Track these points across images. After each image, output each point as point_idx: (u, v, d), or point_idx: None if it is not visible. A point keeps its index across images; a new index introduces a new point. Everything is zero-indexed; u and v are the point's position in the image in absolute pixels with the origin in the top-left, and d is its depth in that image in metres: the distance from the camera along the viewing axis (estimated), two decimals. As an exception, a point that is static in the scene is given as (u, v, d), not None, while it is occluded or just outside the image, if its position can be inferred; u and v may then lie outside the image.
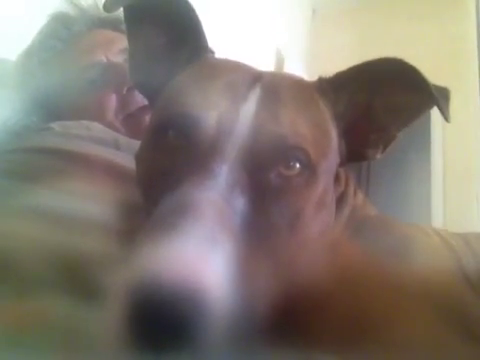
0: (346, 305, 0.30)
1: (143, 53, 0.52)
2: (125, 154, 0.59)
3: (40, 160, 0.58)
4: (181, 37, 0.50)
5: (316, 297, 0.29)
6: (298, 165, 0.40)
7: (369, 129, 0.51)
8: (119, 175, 0.54)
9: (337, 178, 0.51)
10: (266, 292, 0.30)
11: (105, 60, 0.81)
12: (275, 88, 0.43)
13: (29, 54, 0.84)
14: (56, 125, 0.67)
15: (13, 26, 0.96)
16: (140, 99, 0.77)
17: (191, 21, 0.50)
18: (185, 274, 0.26)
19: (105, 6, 0.47)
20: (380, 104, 0.49)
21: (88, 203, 0.45)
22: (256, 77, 0.45)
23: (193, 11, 0.49)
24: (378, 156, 0.52)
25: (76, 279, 0.34)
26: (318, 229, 0.44)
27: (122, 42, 0.83)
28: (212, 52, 0.53)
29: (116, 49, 0.83)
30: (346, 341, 0.28)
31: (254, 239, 0.34)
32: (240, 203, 0.35)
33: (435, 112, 0.47)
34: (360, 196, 0.58)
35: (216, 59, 0.52)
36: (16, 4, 1.01)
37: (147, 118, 0.79)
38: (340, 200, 0.53)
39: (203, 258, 0.28)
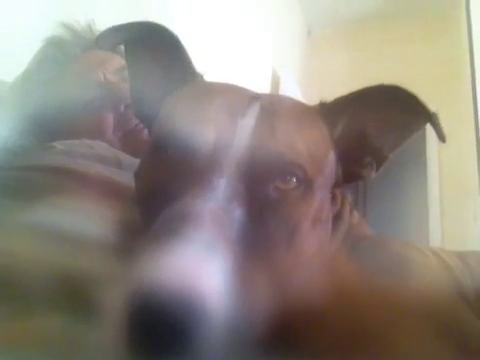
0: (342, 322, 0.30)
1: (142, 86, 0.54)
2: (127, 173, 0.60)
3: (43, 178, 0.58)
4: (170, 67, 0.52)
5: (312, 312, 0.29)
6: (294, 180, 0.41)
7: (364, 151, 0.52)
8: (120, 194, 0.54)
9: (333, 198, 0.52)
10: (263, 303, 0.30)
11: (103, 78, 0.83)
12: (273, 106, 0.44)
13: (26, 78, 0.85)
14: (58, 143, 0.67)
15: (9, 48, 0.98)
16: None
17: (176, 51, 0.51)
18: (184, 281, 0.26)
19: (99, 44, 0.49)
20: (375, 128, 0.50)
21: (88, 222, 0.45)
22: (254, 97, 0.46)
23: (177, 40, 0.51)
24: (372, 176, 0.52)
25: (76, 297, 0.34)
26: (314, 245, 0.44)
27: (117, 62, 0.85)
28: (201, 76, 0.54)
29: (111, 68, 0.84)
30: (342, 356, 0.28)
31: (252, 250, 0.34)
32: (238, 214, 0.36)
33: (430, 132, 0.48)
34: (356, 216, 0.59)
35: (210, 81, 0.53)
36: (13, 26, 1.03)
37: (144, 134, 0.81)
38: (336, 219, 0.53)
39: (202, 266, 0.28)
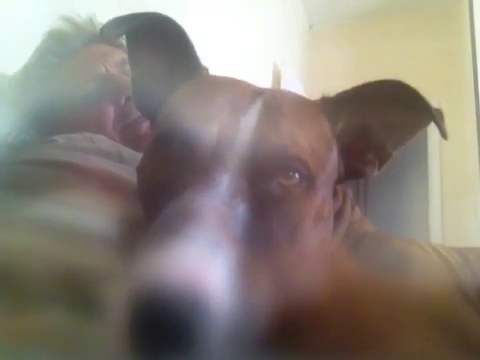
0: (343, 318, 0.30)
1: (144, 78, 0.54)
2: (128, 167, 0.59)
3: (44, 172, 0.58)
4: (175, 59, 0.52)
5: (313, 309, 0.30)
6: (297, 176, 0.40)
7: (366, 147, 0.51)
8: (122, 188, 0.54)
9: (335, 194, 0.52)
10: (266, 299, 0.30)
11: (104, 71, 0.82)
12: (277, 102, 0.44)
13: (26, 71, 0.85)
14: (60, 137, 0.67)
15: (10, 41, 0.98)
16: None
17: (182, 43, 0.51)
18: (187, 278, 0.26)
19: (103, 34, 0.49)
20: (377, 124, 0.50)
21: (90, 217, 0.45)
22: (257, 92, 0.46)
23: (184, 32, 0.50)
24: (374, 174, 0.52)
25: (77, 293, 0.35)
26: (316, 242, 0.44)
27: (118, 55, 0.85)
28: (206, 69, 0.54)
29: (113, 61, 0.84)
30: (343, 353, 0.28)
31: (254, 246, 0.34)
32: (241, 210, 0.36)
33: (432, 128, 0.47)
34: (357, 212, 0.59)
35: (214, 76, 0.53)
36: (13, 19, 1.03)
37: (143, 127, 0.81)
38: (337, 216, 0.53)
39: (205, 262, 0.28)
